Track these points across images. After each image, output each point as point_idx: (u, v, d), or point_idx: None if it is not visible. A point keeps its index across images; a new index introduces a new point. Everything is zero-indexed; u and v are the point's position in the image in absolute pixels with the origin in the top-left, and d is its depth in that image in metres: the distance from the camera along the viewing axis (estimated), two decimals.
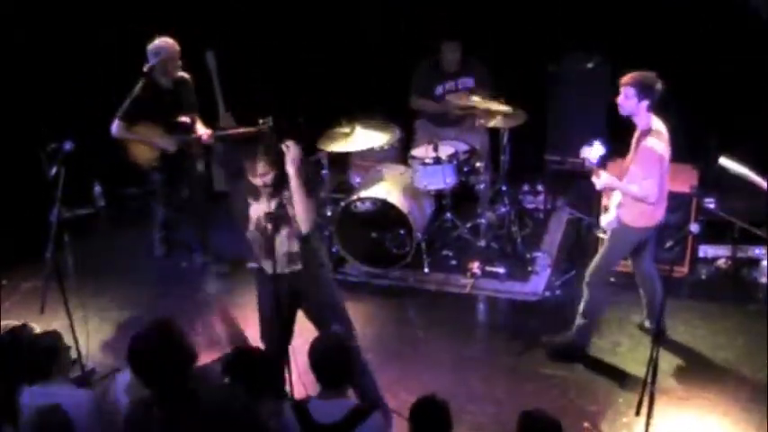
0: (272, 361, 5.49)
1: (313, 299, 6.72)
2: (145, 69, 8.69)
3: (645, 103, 7.01)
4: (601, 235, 7.95)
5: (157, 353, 4.75)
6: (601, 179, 7.28)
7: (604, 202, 7.87)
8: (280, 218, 6.41)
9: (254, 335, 7.07)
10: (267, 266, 6.55)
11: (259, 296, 6.85)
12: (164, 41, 8.69)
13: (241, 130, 8.76)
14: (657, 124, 7.14)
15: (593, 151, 7.21)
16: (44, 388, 5.50)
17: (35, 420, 5.19)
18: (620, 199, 7.34)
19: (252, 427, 4.92)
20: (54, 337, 5.88)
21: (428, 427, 5.14)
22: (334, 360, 5.30)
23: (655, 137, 7.06)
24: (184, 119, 8.83)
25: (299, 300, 6.72)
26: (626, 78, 7.05)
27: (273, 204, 6.36)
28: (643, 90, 6.99)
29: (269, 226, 6.33)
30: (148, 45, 8.67)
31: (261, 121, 8.12)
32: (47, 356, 5.66)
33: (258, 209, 6.39)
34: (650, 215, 7.33)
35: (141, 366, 4.81)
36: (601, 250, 7.69)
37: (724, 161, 7.02)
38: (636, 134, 7.22)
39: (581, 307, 7.72)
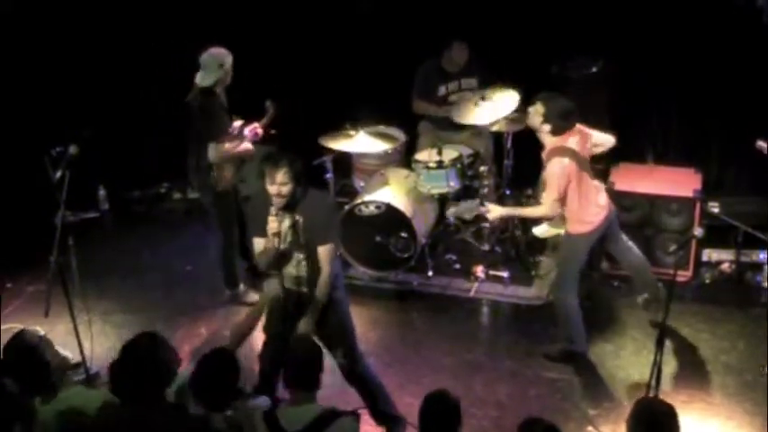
0: (235, 370, 5.47)
1: (319, 325, 6.65)
2: (210, 83, 8.25)
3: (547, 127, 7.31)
4: (538, 234, 8.06)
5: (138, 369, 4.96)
6: (492, 213, 7.49)
7: None
8: (291, 242, 6.44)
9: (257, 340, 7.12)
10: (278, 277, 6.63)
11: (272, 301, 6.89)
12: (222, 50, 8.33)
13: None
14: (572, 142, 7.36)
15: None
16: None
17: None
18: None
19: None
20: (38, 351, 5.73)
21: (438, 423, 5.13)
22: (300, 361, 5.40)
23: (561, 154, 7.28)
24: (236, 123, 8.56)
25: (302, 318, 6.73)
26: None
27: (285, 223, 6.37)
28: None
29: (276, 244, 6.36)
30: (204, 56, 8.26)
31: (267, 103, 8.24)
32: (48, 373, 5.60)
33: (270, 222, 6.36)
34: (586, 219, 7.47)
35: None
36: (557, 267, 7.79)
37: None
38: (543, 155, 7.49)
39: (560, 325, 7.80)
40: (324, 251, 6.46)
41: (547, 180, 7.32)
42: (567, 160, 7.22)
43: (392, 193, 9.04)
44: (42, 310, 7.41)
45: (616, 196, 8.23)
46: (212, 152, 8.23)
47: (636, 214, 8.73)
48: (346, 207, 9.09)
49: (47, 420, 5.33)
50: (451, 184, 9.06)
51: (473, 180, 9.35)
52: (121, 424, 5.00)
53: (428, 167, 9.05)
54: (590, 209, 7.43)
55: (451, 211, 8.32)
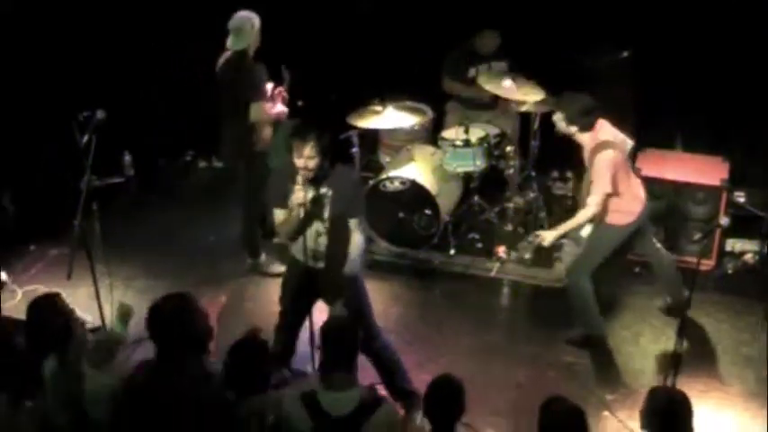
0: (265, 355, 5.43)
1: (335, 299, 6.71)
2: (244, 46, 8.24)
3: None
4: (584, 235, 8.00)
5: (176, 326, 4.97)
6: (546, 240, 7.43)
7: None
8: (313, 214, 6.43)
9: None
10: (293, 250, 6.64)
11: (285, 275, 7.01)
12: (250, 12, 8.30)
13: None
14: (606, 133, 7.34)
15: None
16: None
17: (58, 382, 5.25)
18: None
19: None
20: (64, 315, 5.77)
21: (441, 406, 5.14)
22: (339, 340, 5.31)
23: (605, 147, 7.24)
24: (268, 85, 8.54)
25: (320, 294, 6.76)
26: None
27: (310, 194, 6.36)
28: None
29: (300, 215, 6.37)
30: (234, 20, 8.24)
31: (283, 69, 8.31)
32: (62, 337, 5.62)
33: (295, 192, 6.36)
34: (626, 211, 7.42)
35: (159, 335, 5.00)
36: (583, 247, 7.72)
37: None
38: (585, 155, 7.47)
39: (576, 310, 7.77)
40: (350, 224, 6.47)
41: (595, 176, 7.24)
42: (611, 152, 7.17)
43: (417, 169, 9.03)
44: (65, 273, 7.46)
45: (643, 182, 8.18)
46: (254, 112, 8.27)
47: (661, 202, 8.67)
48: (371, 182, 9.10)
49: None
50: (477, 163, 9.04)
51: (499, 160, 9.34)
52: (148, 387, 5.02)
53: (454, 146, 9.04)
54: (632, 201, 7.39)
55: (513, 257, 8.37)
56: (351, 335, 5.35)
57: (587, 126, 7.28)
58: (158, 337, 5.05)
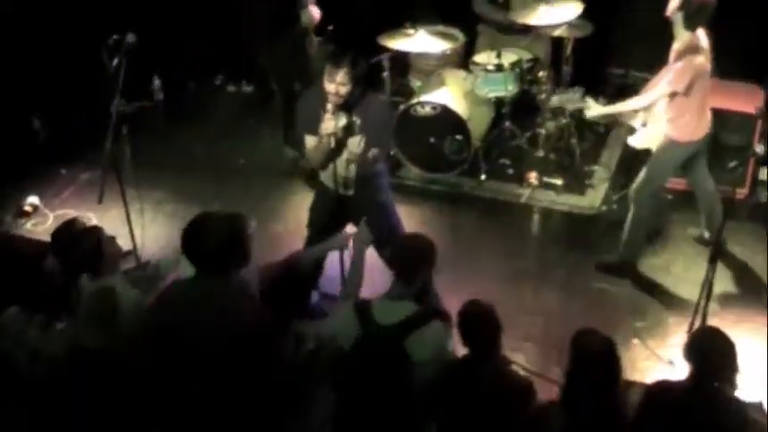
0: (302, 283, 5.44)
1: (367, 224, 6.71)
2: None
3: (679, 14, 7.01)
4: (634, 144, 7.84)
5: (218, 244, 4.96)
6: (590, 111, 7.30)
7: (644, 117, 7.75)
8: (343, 142, 6.38)
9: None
10: (323, 177, 6.64)
11: (314, 199, 6.99)
12: None
13: None
14: (704, 41, 7.11)
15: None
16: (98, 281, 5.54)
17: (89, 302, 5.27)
18: (659, 114, 7.27)
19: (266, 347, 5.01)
20: (94, 236, 5.81)
21: (477, 331, 5.13)
22: (413, 253, 5.32)
23: (699, 53, 7.03)
24: None
25: (350, 219, 6.74)
26: None
27: (341, 123, 6.29)
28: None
29: (331, 144, 6.31)
30: None
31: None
32: (91, 256, 5.66)
33: (325, 121, 6.29)
34: (694, 128, 7.29)
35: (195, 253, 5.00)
36: (646, 167, 7.60)
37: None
38: (675, 48, 7.20)
39: (627, 222, 7.68)
40: (374, 153, 6.43)
41: (674, 73, 7.03)
42: (701, 58, 7.01)
43: (449, 94, 8.96)
44: (96, 198, 7.49)
45: None
46: (305, 17, 8.63)
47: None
48: (402, 107, 9.03)
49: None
50: (509, 88, 8.96)
51: (531, 85, 9.25)
52: (188, 298, 5.05)
53: (486, 70, 8.96)
54: (701, 119, 7.28)
55: (555, 100, 8.11)
56: (421, 248, 5.35)
57: (692, 24, 7.01)
58: (200, 254, 5.04)
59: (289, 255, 5.59)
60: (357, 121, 6.36)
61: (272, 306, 5.14)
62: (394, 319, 5.09)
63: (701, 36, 7.10)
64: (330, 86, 6.20)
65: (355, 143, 6.33)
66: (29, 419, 5.18)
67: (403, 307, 5.16)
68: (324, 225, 6.83)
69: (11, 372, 5.27)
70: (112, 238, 5.85)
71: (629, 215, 7.65)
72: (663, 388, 5.02)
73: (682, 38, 7.11)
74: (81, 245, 5.57)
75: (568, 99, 7.82)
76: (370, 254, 6.69)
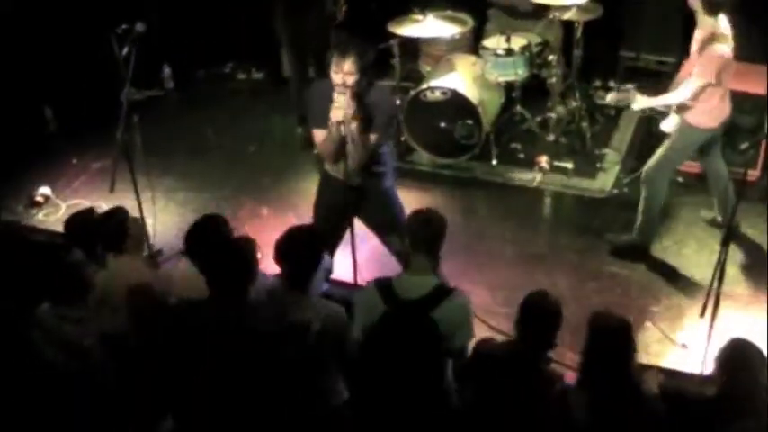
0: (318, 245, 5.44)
1: (371, 215, 6.76)
2: None
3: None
4: (666, 130, 7.78)
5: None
6: (637, 104, 7.26)
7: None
8: (352, 131, 6.32)
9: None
10: (331, 169, 6.62)
11: (318, 193, 6.95)
12: None
13: None
14: (725, 27, 7.02)
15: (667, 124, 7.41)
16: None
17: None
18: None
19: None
20: (120, 215, 5.92)
21: (539, 323, 5.09)
22: (431, 226, 5.34)
23: (724, 41, 6.96)
24: None
25: (356, 211, 6.73)
26: None
27: (348, 112, 6.21)
28: None
29: (341, 131, 6.26)
30: None
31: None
32: (116, 234, 5.73)
33: (333, 110, 6.23)
34: (715, 115, 7.25)
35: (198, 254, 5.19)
36: (661, 148, 7.57)
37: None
38: (698, 36, 7.15)
39: (640, 206, 7.67)
40: (372, 138, 6.38)
41: (704, 64, 6.99)
42: (727, 48, 6.97)
43: (459, 79, 8.94)
44: (107, 187, 7.49)
45: None
46: None
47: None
48: (412, 92, 9.02)
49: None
50: (519, 72, 8.94)
51: (541, 69, 9.23)
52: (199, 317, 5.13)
53: (496, 55, 8.94)
54: (723, 106, 7.24)
55: (611, 98, 8.08)
56: (435, 224, 5.37)
57: (716, 9, 6.96)
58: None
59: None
60: (364, 110, 6.30)
61: (288, 267, 5.19)
62: (419, 294, 5.12)
63: (723, 22, 7.04)
64: (336, 76, 6.16)
65: (345, 103, 6.22)
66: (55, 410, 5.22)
67: (426, 281, 5.19)
68: (330, 219, 6.78)
69: (42, 365, 5.30)
70: (137, 219, 5.95)
71: (642, 198, 7.63)
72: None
73: (704, 25, 7.07)
74: (106, 223, 5.67)
75: (622, 98, 7.73)
76: (376, 244, 6.75)
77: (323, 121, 6.33)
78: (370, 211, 6.76)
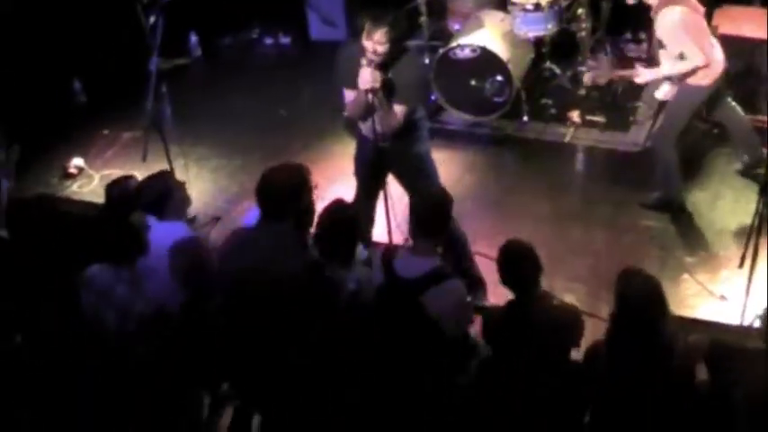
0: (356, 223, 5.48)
1: (404, 177, 6.77)
2: None
3: None
4: (660, 98, 7.70)
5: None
6: (641, 76, 7.19)
7: None
8: (380, 99, 6.31)
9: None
10: (363, 128, 6.63)
11: (356, 150, 6.97)
12: None
13: None
14: None
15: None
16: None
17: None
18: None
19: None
20: (163, 177, 5.96)
21: (517, 270, 5.13)
22: (432, 210, 5.35)
23: (670, 3, 6.94)
24: None
25: (389, 169, 6.76)
26: None
27: (378, 78, 6.19)
28: None
29: (369, 99, 6.25)
30: None
31: None
32: (159, 197, 5.76)
33: (361, 75, 6.23)
34: (707, 72, 7.14)
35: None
36: (665, 113, 7.52)
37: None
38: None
39: (657, 171, 7.65)
40: (398, 109, 6.39)
41: (667, 39, 7.01)
42: (678, 9, 6.93)
43: (488, 35, 8.87)
44: (139, 156, 7.52)
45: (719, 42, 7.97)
46: None
47: (738, 60, 8.40)
48: (441, 50, 8.96)
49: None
50: (549, 26, 8.86)
51: (570, 23, 9.15)
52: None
53: (525, 10, 8.84)
54: (713, 64, 7.13)
55: (588, 78, 8.04)
56: (438, 203, 5.39)
57: None
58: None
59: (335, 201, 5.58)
60: (392, 78, 6.30)
61: (324, 249, 5.25)
62: (414, 275, 5.17)
63: None
64: (368, 43, 6.16)
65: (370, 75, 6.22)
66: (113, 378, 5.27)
67: (424, 262, 5.23)
68: (367, 175, 6.87)
69: (99, 327, 5.35)
70: (182, 183, 5.99)
71: (654, 160, 7.61)
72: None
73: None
74: (149, 186, 5.71)
75: (597, 73, 7.67)
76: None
77: (351, 81, 6.34)
78: (402, 173, 6.78)
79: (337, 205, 5.39)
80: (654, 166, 7.67)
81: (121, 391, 5.20)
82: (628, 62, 9.48)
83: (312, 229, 5.45)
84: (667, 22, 6.95)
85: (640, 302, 4.69)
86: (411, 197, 6.64)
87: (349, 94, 6.50)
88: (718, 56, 7.26)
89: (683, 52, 7.02)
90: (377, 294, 5.22)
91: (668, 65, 7.21)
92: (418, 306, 5.05)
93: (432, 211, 5.36)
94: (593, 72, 7.70)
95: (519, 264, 5.13)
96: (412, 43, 9.71)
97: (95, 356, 5.30)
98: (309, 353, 4.94)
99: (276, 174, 5.44)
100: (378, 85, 6.20)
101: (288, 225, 5.32)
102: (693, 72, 7.10)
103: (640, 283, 4.78)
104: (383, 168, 6.76)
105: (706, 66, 7.05)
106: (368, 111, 6.36)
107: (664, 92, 7.51)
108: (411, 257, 5.29)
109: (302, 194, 5.40)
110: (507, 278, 5.16)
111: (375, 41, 6.12)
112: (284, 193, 5.32)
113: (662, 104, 8.00)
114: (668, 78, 7.32)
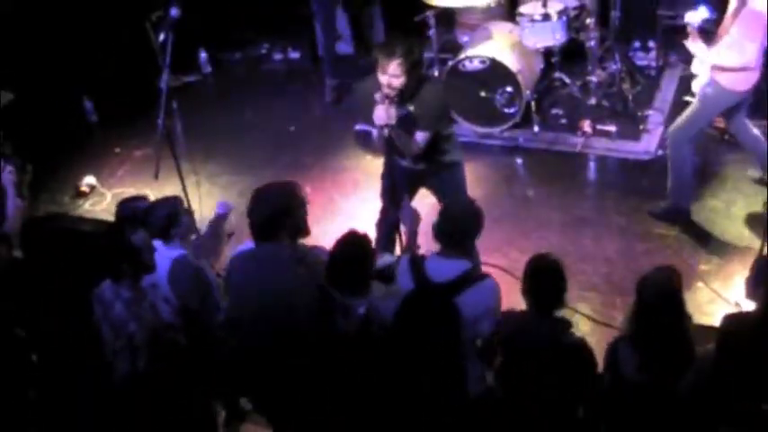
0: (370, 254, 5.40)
1: (435, 189, 6.69)
2: None
3: None
4: (689, 99, 7.62)
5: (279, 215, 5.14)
6: (694, 46, 7.07)
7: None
8: (399, 135, 6.16)
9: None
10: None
11: (385, 171, 6.72)
12: None
13: None
14: None
15: (697, 15, 6.95)
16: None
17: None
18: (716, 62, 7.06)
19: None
20: (172, 202, 5.96)
21: (544, 284, 5.09)
22: (460, 220, 5.28)
23: None
24: None
25: (422, 184, 6.69)
26: None
27: (392, 114, 6.01)
28: None
29: (384, 134, 6.10)
30: None
31: None
32: (165, 220, 5.76)
33: (375, 110, 6.05)
34: (748, 79, 7.07)
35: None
36: (687, 110, 7.45)
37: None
38: None
39: (669, 169, 7.57)
40: (421, 136, 6.24)
41: (746, 24, 6.77)
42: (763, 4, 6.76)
43: (497, 47, 8.89)
44: (151, 174, 7.50)
45: None
46: None
47: None
48: (450, 63, 8.98)
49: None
50: (557, 37, 8.86)
51: (579, 33, 9.14)
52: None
53: (533, 20, 8.85)
54: (756, 70, 7.03)
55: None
56: (467, 215, 5.33)
57: None
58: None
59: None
60: (412, 109, 6.14)
61: (338, 280, 5.15)
62: (447, 278, 5.12)
63: None
64: (383, 78, 5.98)
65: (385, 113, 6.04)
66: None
67: (456, 266, 5.18)
68: (397, 192, 6.54)
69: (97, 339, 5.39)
70: (190, 212, 6.00)
71: (669, 161, 7.54)
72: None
73: None
74: (154, 211, 5.73)
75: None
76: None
77: (369, 120, 6.18)
78: (434, 186, 6.69)
79: (351, 236, 5.30)
80: (668, 173, 7.59)
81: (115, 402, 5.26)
82: (637, 70, 9.50)
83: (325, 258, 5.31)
84: (758, 11, 6.73)
85: (662, 299, 4.69)
86: (442, 207, 6.59)
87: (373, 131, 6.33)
88: (761, 62, 7.12)
89: (744, 44, 6.84)
90: (405, 301, 5.09)
91: (730, 51, 6.98)
92: (454, 308, 4.97)
93: (463, 223, 5.27)
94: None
95: (541, 277, 5.07)
96: (434, 81, 9.79)
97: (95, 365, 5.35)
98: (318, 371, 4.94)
99: (264, 196, 5.27)
100: (393, 121, 6.02)
101: (282, 246, 5.22)
102: (733, 72, 6.99)
103: (657, 273, 4.82)
104: (415, 185, 6.68)
105: (746, 69, 6.95)
106: (388, 145, 6.22)
107: (701, 85, 7.37)
108: (442, 261, 5.22)
109: (294, 212, 5.25)
110: (527, 289, 5.12)
111: (390, 75, 5.93)
112: (275, 215, 5.16)
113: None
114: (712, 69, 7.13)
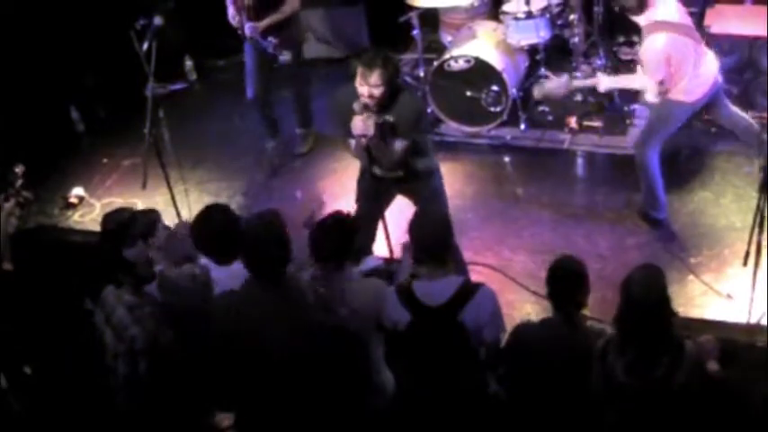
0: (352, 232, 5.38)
1: (413, 198, 6.65)
2: None
3: None
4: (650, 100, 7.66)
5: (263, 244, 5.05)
6: (602, 84, 7.17)
7: None
8: (379, 145, 6.21)
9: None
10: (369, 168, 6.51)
11: (360, 176, 6.79)
12: None
13: None
14: (663, 12, 6.94)
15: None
16: None
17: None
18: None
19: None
20: (150, 216, 5.90)
21: (566, 287, 5.07)
22: (437, 233, 5.19)
23: (657, 30, 6.87)
24: None
25: (399, 192, 6.69)
26: None
27: (371, 124, 6.08)
28: None
29: (362, 143, 6.17)
30: None
31: None
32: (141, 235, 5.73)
33: (354, 120, 6.13)
34: (691, 89, 7.08)
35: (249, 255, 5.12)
36: (647, 121, 7.49)
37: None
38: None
39: (642, 185, 7.58)
40: (399, 145, 6.27)
41: (644, 61, 6.97)
42: (664, 36, 6.83)
43: (481, 46, 8.90)
44: (139, 183, 7.50)
45: (712, 40, 7.96)
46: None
47: (734, 57, 8.42)
48: (435, 63, 8.98)
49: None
50: (541, 34, 8.87)
51: (563, 29, 9.15)
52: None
53: (517, 18, 8.86)
54: (698, 80, 7.06)
55: (537, 92, 7.84)
56: (442, 227, 5.24)
57: (638, 9, 6.95)
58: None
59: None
60: (390, 119, 6.17)
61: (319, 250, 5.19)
62: (442, 298, 5.04)
63: (655, 5, 6.95)
64: (363, 89, 6.03)
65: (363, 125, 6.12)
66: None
67: (447, 283, 5.10)
68: (372, 201, 6.67)
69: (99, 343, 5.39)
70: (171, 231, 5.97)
71: (641, 174, 7.52)
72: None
73: (639, 21, 7.07)
74: (133, 224, 5.70)
75: (554, 87, 7.59)
76: None
77: (348, 131, 6.23)
78: (411, 193, 6.67)
79: (336, 213, 5.31)
80: (639, 179, 7.61)
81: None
82: (623, 65, 9.51)
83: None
84: (650, 50, 6.89)
85: (646, 302, 4.67)
86: (408, 225, 6.59)
87: (351, 142, 6.37)
88: (710, 71, 7.16)
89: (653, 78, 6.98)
90: (409, 330, 5.08)
91: (633, 78, 7.34)
92: (460, 328, 4.97)
93: (433, 237, 5.17)
94: (546, 86, 7.62)
95: (561, 279, 5.05)
96: (406, 57, 9.79)
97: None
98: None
99: (256, 233, 5.17)
100: (371, 132, 6.08)
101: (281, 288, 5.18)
102: (681, 89, 7.05)
103: (640, 272, 4.79)
104: (392, 193, 6.71)
105: (662, 92, 7.03)
106: (367, 154, 6.27)
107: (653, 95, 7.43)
108: (431, 284, 5.10)
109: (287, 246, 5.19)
110: (550, 292, 5.10)
111: (371, 85, 5.99)
112: (274, 253, 5.10)
113: None
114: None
